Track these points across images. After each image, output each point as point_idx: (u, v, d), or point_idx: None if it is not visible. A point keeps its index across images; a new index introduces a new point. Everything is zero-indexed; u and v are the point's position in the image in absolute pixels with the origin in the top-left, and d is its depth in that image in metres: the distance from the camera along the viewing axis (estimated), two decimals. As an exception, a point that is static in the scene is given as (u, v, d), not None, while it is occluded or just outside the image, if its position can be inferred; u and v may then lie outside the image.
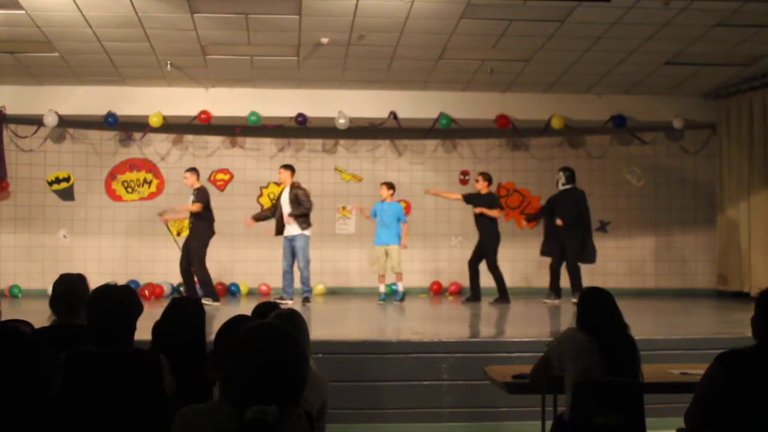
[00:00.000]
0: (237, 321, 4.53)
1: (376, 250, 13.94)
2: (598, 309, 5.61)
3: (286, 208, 13.46)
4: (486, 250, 13.91)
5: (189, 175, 13.73)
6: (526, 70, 14.35)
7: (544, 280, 15.97)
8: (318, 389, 4.60)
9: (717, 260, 16.09)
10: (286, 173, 13.71)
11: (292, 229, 13.40)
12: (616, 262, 16.66)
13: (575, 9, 11.39)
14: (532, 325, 11.77)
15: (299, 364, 3.00)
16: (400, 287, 14.03)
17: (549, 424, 5.88)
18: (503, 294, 13.83)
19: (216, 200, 16.10)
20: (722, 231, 15.87)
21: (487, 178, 14.19)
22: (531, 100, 15.79)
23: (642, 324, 9.98)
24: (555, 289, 13.95)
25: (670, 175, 16.75)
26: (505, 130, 16.12)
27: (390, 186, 13.98)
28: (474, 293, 14.04)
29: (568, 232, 13.78)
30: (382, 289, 14.10)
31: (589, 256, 14.03)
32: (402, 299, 13.89)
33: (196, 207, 13.40)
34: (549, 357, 5.64)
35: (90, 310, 4.50)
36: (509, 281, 14.32)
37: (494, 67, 14.15)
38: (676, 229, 16.72)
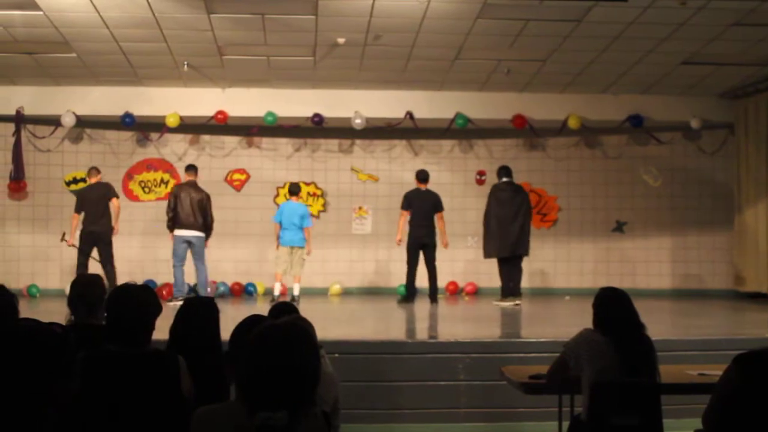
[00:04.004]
0: (252, 321, 4.55)
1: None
2: (615, 309, 5.60)
3: None
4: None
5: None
6: (542, 70, 14.33)
7: (561, 280, 16.01)
8: (329, 385, 4.60)
9: (734, 261, 16.02)
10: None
11: None
12: (633, 263, 16.61)
13: (592, 9, 11.36)
14: (548, 325, 11.76)
15: (312, 365, 3.01)
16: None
17: (566, 424, 5.87)
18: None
19: (233, 200, 16.21)
20: (740, 231, 15.79)
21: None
22: (547, 100, 15.76)
23: (659, 324, 9.95)
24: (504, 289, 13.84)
25: (687, 175, 16.69)
26: (522, 130, 16.09)
27: None
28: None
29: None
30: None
31: (487, 251, 13.88)
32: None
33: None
34: (565, 357, 5.63)
35: (109, 309, 4.52)
36: (526, 281, 14.26)
37: (511, 67, 14.13)
38: (693, 229, 16.65)
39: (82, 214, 13.64)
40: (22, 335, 3.61)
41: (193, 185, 13.71)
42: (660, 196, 16.68)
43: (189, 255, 13.72)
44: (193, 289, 14.44)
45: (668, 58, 13.63)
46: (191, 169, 13.98)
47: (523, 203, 13.81)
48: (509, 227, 13.59)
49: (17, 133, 15.54)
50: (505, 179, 13.91)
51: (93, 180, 13.91)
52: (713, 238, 16.57)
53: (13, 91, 15.29)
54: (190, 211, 13.48)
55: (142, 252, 15.88)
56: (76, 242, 13.58)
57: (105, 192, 13.76)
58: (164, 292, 14.59)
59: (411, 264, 13.70)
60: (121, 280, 5.02)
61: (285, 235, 13.76)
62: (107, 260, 13.61)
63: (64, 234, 13.68)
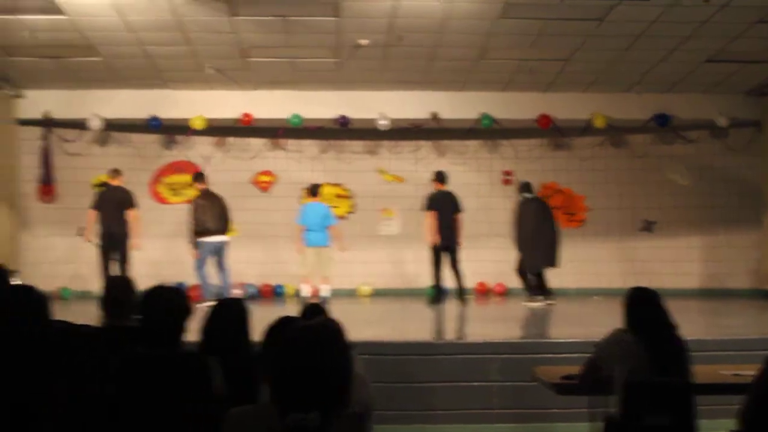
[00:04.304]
0: (283, 322, 4.55)
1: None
2: (646, 309, 5.57)
3: None
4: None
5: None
6: (566, 69, 14.30)
7: (590, 280, 15.91)
8: (360, 386, 4.58)
9: (763, 259, 15.91)
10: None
11: None
12: (661, 262, 16.51)
13: (614, 7, 11.32)
14: (580, 325, 11.70)
15: (344, 366, 3.01)
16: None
17: (598, 425, 5.84)
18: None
19: (259, 202, 16.23)
20: (768, 230, 15.71)
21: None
22: (572, 99, 15.74)
23: (691, 324, 9.87)
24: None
25: (715, 173, 16.59)
26: (547, 129, 16.06)
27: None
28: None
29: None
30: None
31: (536, 265, 13.87)
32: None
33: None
34: (597, 358, 5.60)
35: (142, 310, 4.53)
36: (556, 282, 14.20)
37: (534, 66, 14.12)
38: (720, 228, 16.55)
39: (99, 213, 13.59)
40: (54, 336, 3.64)
41: (210, 192, 13.75)
42: (687, 195, 16.58)
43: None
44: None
45: (692, 56, 13.58)
46: (201, 177, 13.99)
47: (552, 216, 13.91)
48: (548, 240, 13.68)
49: (45, 137, 15.66)
50: (528, 195, 13.91)
51: (114, 182, 13.82)
52: (741, 237, 16.48)
53: (40, 96, 15.44)
54: (218, 217, 13.52)
55: (170, 254, 15.90)
56: (93, 239, 13.63)
57: (124, 199, 13.62)
58: (194, 294, 14.63)
59: (437, 265, 13.67)
60: (149, 282, 5.00)
61: (310, 237, 13.75)
62: (122, 262, 13.63)
63: (80, 229, 13.86)
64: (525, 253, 13.65)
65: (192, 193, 14.23)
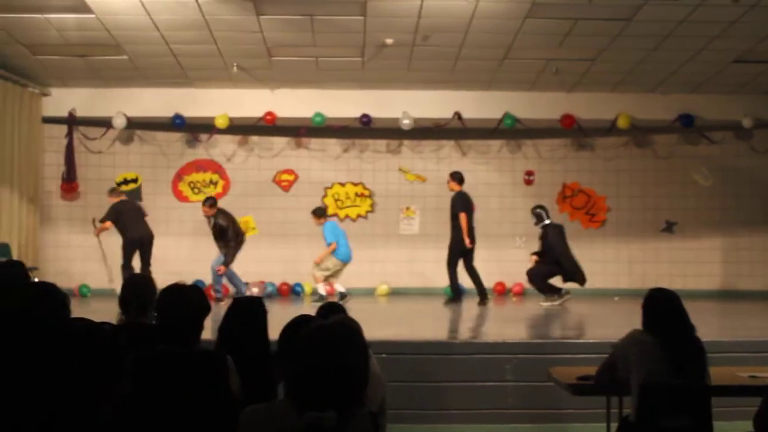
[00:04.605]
0: (301, 321, 4.57)
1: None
2: (665, 310, 5.55)
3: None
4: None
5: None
6: (591, 69, 14.25)
7: (610, 281, 15.89)
8: (376, 386, 4.61)
9: (786, 261, 15.85)
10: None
11: None
12: (682, 263, 16.45)
13: (642, 7, 11.28)
14: (596, 326, 11.68)
15: (361, 365, 3.02)
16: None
17: (614, 426, 5.84)
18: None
19: (280, 200, 16.30)
20: (792, 232, 15.61)
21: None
22: (597, 99, 15.69)
23: (709, 326, 9.85)
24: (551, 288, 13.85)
25: (739, 174, 16.50)
26: (571, 130, 16.01)
27: None
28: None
29: None
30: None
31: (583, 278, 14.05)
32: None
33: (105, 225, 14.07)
34: (614, 359, 5.59)
35: (160, 308, 4.57)
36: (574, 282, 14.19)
37: (559, 66, 14.08)
38: (744, 230, 16.46)
39: (120, 224, 14.04)
40: (74, 334, 3.68)
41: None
42: (711, 196, 16.50)
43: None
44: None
45: (720, 57, 13.49)
46: (215, 201, 14.53)
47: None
48: (575, 260, 13.95)
49: (69, 134, 15.79)
50: (549, 221, 14.05)
51: (117, 199, 14.22)
52: (764, 239, 16.39)
53: (65, 93, 15.54)
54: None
55: (191, 252, 15.99)
56: (101, 240, 14.34)
57: (138, 206, 14.57)
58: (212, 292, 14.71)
59: (454, 265, 13.64)
60: (169, 280, 5.05)
61: (348, 252, 13.93)
62: (146, 263, 13.91)
63: (94, 220, 14.30)
64: (570, 267, 13.79)
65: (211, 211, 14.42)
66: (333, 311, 5.20)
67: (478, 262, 13.68)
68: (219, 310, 5.63)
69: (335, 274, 13.99)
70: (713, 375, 5.55)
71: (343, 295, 13.59)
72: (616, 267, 16.56)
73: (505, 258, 16.24)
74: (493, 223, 16.17)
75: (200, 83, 15.29)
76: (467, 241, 13.39)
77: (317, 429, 2.84)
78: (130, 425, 4.03)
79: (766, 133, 16.24)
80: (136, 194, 16.11)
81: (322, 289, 13.98)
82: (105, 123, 15.59)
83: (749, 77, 14.62)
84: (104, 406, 3.69)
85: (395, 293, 16.30)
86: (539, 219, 14.04)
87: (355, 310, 6.53)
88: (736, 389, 5.97)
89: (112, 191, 14.52)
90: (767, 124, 15.95)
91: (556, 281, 13.86)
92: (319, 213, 14.39)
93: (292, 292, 16.16)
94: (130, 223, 13.92)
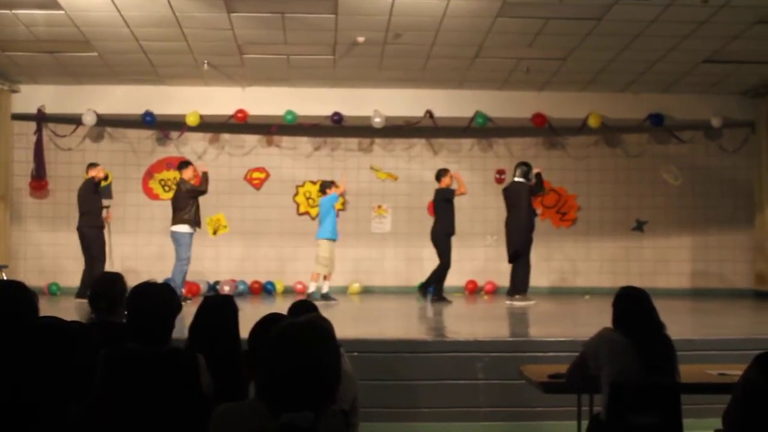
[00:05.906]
0: (270, 319, 4.55)
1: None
2: (635, 309, 5.57)
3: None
4: None
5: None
6: (562, 68, 14.30)
7: (581, 279, 15.95)
8: (347, 384, 4.59)
9: (755, 260, 15.95)
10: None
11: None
12: (653, 262, 16.57)
13: (612, 7, 11.33)
14: (567, 324, 11.73)
15: (334, 364, 3.01)
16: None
17: (585, 424, 5.86)
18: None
19: (252, 198, 16.26)
20: (760, 230, 15.74)
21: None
22: (567, 98, 15.75)
23: (679, 324, 9.91)
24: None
25: (708, 174, 16.62)
26: (542, 128, 16.08)
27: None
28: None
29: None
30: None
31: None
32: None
33: None
34: (585, 357, 5.61)
35: (130, 307, 4.54)
36: (546, 280, 14.24)
37: (530, 65, 14.12)
38: (713, 228, 16.59)
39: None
40: (42, 332, 3.64)
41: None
42: (680, 195, 16.61)
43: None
44: (213, 287, 14.47)
45: (689, 57, 13.58)
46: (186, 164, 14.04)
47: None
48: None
49: (39, 131, 15.68)
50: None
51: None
52: (734, 237, 16.51)
53: (34, 90, 15.43)
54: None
55: (161, 250, 15.92)
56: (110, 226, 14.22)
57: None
58: (184, 290, 14.63)
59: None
60: (140, 278, 5.02)
61: (333, 230, 14.09)
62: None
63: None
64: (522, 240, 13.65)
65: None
66: (305, 309, 5.17)
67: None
68: (189, 309, 5.59)
69: (331, 264, 13.93)
70: (683, 373, 5.58)
71: (326, 295, 13.73)
72: (587, 266, 16.64)
73: (476, 256, 16.30)
74: (465, 222, 16.18)
75: (171, 80, 15.22)
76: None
77: (293, 429, 2.83)
78: (101, 425, 3.99)
79: (735, 133, 16.37)
80: (107, 192, 15.99)
81: (326, 287, 14.02)
82: (75, 120, 15.49)
83: (718, 77, 14.73)
84: (74, 405, 3.64)
85: (367, 291, 16.31)
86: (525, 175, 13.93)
87: (326, 308, 6.52)
88: (706, 387, 6.00)
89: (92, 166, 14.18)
90: (736, 123, 16.09)
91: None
92: (325, 185, 14.40)
93: (264, 290, 16.11)
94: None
